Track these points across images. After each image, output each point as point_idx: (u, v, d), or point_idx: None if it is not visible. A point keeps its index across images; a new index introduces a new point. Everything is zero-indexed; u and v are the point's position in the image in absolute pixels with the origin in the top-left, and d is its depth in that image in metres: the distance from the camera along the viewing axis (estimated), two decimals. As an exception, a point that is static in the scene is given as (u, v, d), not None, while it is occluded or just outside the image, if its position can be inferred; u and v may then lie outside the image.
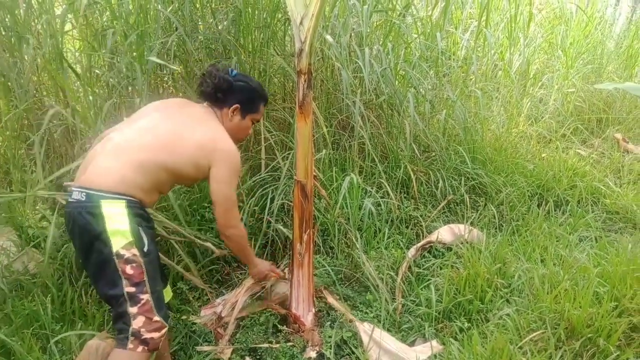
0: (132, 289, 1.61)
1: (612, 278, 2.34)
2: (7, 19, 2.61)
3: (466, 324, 2.30)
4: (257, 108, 2.03)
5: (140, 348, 1.60)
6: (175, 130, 1.78)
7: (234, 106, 1.94)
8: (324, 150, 3.00)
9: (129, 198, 1.64)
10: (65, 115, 2.70)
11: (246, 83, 1.98)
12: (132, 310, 1.60)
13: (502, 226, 3.22)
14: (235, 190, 1.86)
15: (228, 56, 3.17)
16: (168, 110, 1.87)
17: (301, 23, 1.92)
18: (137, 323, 1.60)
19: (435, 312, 2.37)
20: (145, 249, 1.64)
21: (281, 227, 2.76)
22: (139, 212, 1.68)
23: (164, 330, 1.66)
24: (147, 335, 1.61)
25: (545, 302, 2.26)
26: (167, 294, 2.00)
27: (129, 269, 1.60)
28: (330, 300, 2.42)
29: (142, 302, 1.61)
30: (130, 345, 1.60)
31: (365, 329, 2.22)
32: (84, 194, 1.61)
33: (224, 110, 1.95)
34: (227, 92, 1.93)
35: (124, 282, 1.60)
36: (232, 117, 1.95)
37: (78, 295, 2.19)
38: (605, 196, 3.72)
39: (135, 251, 1.61)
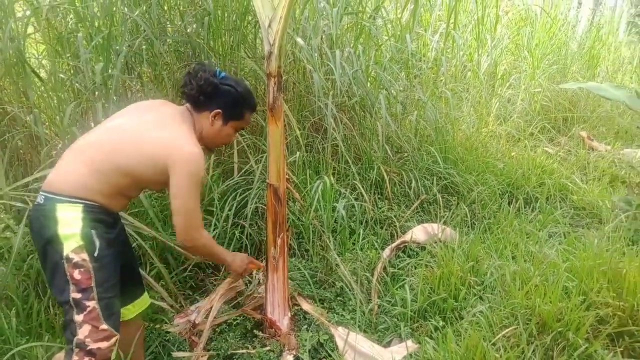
0: (78, 295, 1.53)
1: (580, 273, 2.40)
2: (-36, 23, 2.51)
3: (441, 323, 2.32)
4: (241, 115, 1.88)
5: (86, 359, 1.52)
6: (135, 131, 1.67)
7: (216, 111, 1.81)
8: (297, 153, 2.99)
9: (86, 202, 1.57)
10: (29, 122, 2.62)
11: (232, 87, 1.84)
12: (78, 318, 1.53)
13: (475, 224, 3.27)
14: (195, 198, 1.69)
15: (198, 59, 3.13)
16: (139, 111, 1.78)
17: (269, 26, 1.91)
18: (83, 332, 1.52)
19: (411, 311, 2.39)
20: (96, 254, 1.56)
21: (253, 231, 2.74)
22: (99, 217, 1.60)
23: (113, 339, 1.57)
24: (93, 346, 1.52)
25: (516, 298, 2.30)
26: (144, 302, 1.96)
27: (76, 274, 1.53)
28: (305, 306, 2.40)
29: (88, 309, 1.53)
30: (75, 358, 1.52)
31: (340, 333, 2.22)
32: (43, 197, 1.58)
33: (205, 113, 1.82)
34: (211, 95, 1.80)
35: (71, 287, 1.53)
36: (213, 122, 1.82)
37: (45, 308, 2.12)
38: (572, 192, 3.82)
39: (85, 256, 1.54)
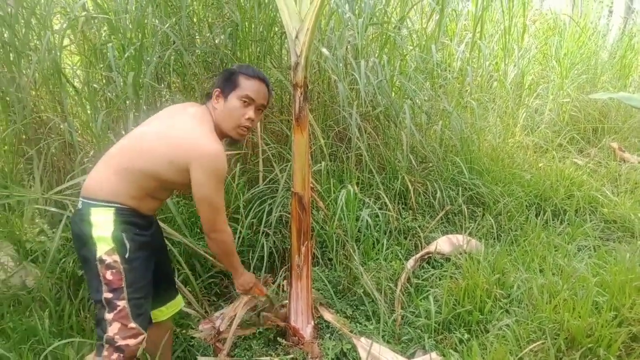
0: (110, 295, 1.61)
1: (611, 287, 2.34)
2: (5, 35, 2.63)
3: (466, 335, 2.29)
4: (237, 83, 1.83)
5: (115, 355, 1.60)
6: (154, 135, 1.72)
7: (214, 90, 1.84)
8: (322, 163, 3.01)
9: (118, 205, 1.64)
10: (63, 129, 2.71)
11: (229, 68, 1.90)
12: (108, 316, 1.61)
13: (501, 236, 3.22)
14: (218, 193, 1.72)
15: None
16: (165, 116, 1.83)
17: (297, 37, 1.94)
18: (112, 330, 1.61)
19: (435, 323, 2.36)
20: (127, 255, 1.63)
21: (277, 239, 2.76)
22: (130, 220, 1.67)
23: (140, 337, 1.64)
24: (122, 342, 1.60)
25: (544, 312, 2.26)
26: (177, 304, 2.04)
27: (108, 275, 1.61)
28: (327, 316, 2.40)
29: (119, 308, 1.61)
30: (105, 353, 1.60)
31: (362, 344, 2.21)
32: (81, 202, 1.68)
33: (211, 100, 1.86)
34: (215, 82, 1.88)
35: (104, 287, 1.62)
36: (217, 103, 1.83)
37: (76, 310, 2.18)
38: (602, 205, 3.73)
39: (116, 257, 1.62)
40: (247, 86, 1.83)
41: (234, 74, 1.85)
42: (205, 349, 2.24)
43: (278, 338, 2.29)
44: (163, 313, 1.96)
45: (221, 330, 2.30)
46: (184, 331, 2.28)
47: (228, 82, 1.84)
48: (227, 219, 1.82)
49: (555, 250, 2.98)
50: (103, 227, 1.62)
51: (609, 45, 6.52)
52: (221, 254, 1.91)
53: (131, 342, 1.62)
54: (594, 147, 4.92)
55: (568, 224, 3.42)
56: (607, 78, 5.89)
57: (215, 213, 1.74)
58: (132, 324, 1.63)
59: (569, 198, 3.74)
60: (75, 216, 1.69)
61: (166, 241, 2.35)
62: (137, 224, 1.70)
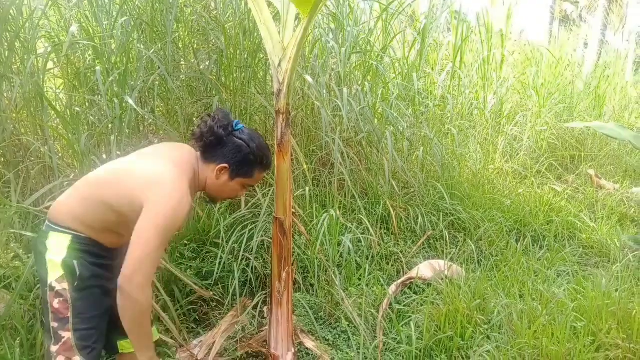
0: (55, 325, 1.53)
1: (589, 313, 2.37)
2: (-12, 58, 2.63)
3: (447, 362, 2.28)
4: (250, 173, 1.75)
5: None
6: (126, 168, 1.62)
7: (221, 165, 1.69)
8: (306, 188, 3.02)
9: (76, 234, 1.57)
10: (44, 152, 2.69)
11: (244, 143, 1.71)
12: (54, 348, 1.52)
13: (482, 261, 3.25)
14: (159, 241, 1.47)
15: (210, 95, 3.22)
16: (151, 150, 1.74)
17: (279, 65, 1.98)
18: None
19: (416, 349, 2.35)
20: (76, 284, 1.54)
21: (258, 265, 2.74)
22: (87, 249, 1.58)
23: None
24: None
25: (524, 337, 2.27)
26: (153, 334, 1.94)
27: (55, 303, 1.53)
28: (308, 344, 2.37)
29: (63, 340, 1.52)
30: None
31: (345, 369, 2.19)
32: (45, 225, 1.62)
33: (211, 165, 1.71)
34: (216, 146, 1.70)
35: (51, 316, 1.54)
36: (219, 175, 1.71)
37: (49, 338, 2.12)
38: (580, 231, 3.80)
39: (65, 285, 1.53)
40: (258, 179, 1.82)
41: (252, 163, 1.74)
42: (183, 377, 2.19)
43: (258, 366, 2.26)
44: (129, 344, 1.80)
45: (199, 358, 2.26)
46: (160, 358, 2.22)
47: (242, 168, 1.73)
48: (152, 278, 1.55)
49: (535, 276, 3.01)
50: (56, 252, 1.55)
51: (584, 76, 6.76)
52: (130, 318, 1.48)
53: None
54: (571, 174, 5.04)
55: (547, 249, 3.47)
56: (583, 107, 6.08)
57: (142, 261, 1.45)
58: (77, 358, 1.53)
59: (548, 224, 3.80)
60: (36, 237, 1.66)
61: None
62: (94, 253, 1.61)
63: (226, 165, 1.70)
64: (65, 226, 1.57)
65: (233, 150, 1.71)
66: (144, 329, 1.53)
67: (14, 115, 2.79)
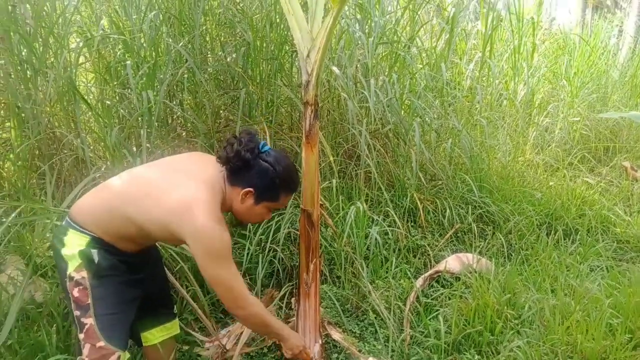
0: (78, 313, 1.56)
1: (625, 309, 2.29)
2: (23, 53, 2.70)
3: (476, 357, 2.25)
4: (276, 198, 1.72)
5: None
6: (153, 182, 1.61)
7: (246, 189, 1.65)
8: (333, 180, 3.01)
9: (95, 236, 1.58)
10: (76, 145, 2.76)
11: (270, 166, 1.67)
12: (81, 336, 1.56)
13: (511, 255, 3.18)
14: (224, 270, 1.57)
15: (237, 87, 3.24)
16: (175, 162, 1.73)
17: (308, 56, 1.97)
18: (85, 352, 1.55)
19: (444, 343, 2.32)
20: (95, 271, 1.56)
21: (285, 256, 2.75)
22: (105, 249, 1.60)
23: (114, 357, 1.55)
24: None
25: (557, 333, 2.21)
26: (172, 329, 1.96)
27: (75, 292, 1.56)
28: (335, 335, 2.37)
29: (86, 327, 1.55)
30: None
31: (371, 363, 2.18)
32: (65, 220, 1.64)
33: (236, 188, 1.67)
34: (242, 170, 1.66)
35: (73, 305, 1.57)
36: (244, 199, 1.67)
37: (83, 325, 2.18)
38: (615, 225, 3.68)
39: (84, 273, 1.55)
40: (284, 202, 1.80)
41: (278, 187, 1.70)
42: (212, 367, 2.22)
43: (285, 357, 2.27)
44: (154, 336, 1.89)
45: (227, 348, 2.29)
46: (188, 348, 2.26)
47: (268, 192, 1.69)
48: (247, 290, 1.68)
49: (567, 270, 2.93)
50: (73, 247, 1.57)
51: (619, 65, 6.51)
52: (258, 327, 1.80)
53: None
54: (605, 166, 4.88)
55: (580, 243, 3.37)
56: (618, 97, 5.87)
57: (229, 291, 1.62)
58: (101, 343, 1.55)
59: (580, 217, 3.69)
60: (55, 229, 1.67)
61: (177, 256, 2.36)
62: (114, 253, 1.62)
63: (251, 189, 1.66)
64: (85, 227, 1.59)
65: (258, 174, 1.66)
66: (271, 326, 1.80)
67: (48, 109, 2.87)
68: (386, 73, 3.63)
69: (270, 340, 2.32)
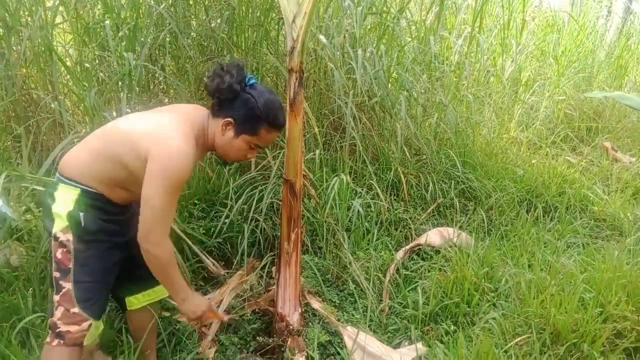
0: (57, 274, 1.56)
1: (598, 284, 2.35)
2: (-4, 10, 2.58)
3: (452, 327, 2.30)
4: (256, 131, 1.66)
5: (55, 342, 1.53)
6: (135, 124, 1.61)
7: (226, 120, 1.64)
8: (317, 151, 2.98)
9: (85, 187, 1.56)
10: (54, 108, 2.67)
11: (252, 97, 1.64)
12: (55, 298, 1.56)
13: (491, 231, 3.23)
14: (165, 198, 1.50)
15: (221, 54, 3.16)
16: (165, 108, 1.73)
17: (293, 21, 1.92)
18: (57, 314, 1.54)
19: (422, 314, 2.37)
20: (81, 236, 1.55)
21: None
22: (95, 204, 1.58)
23: (85, 324, 1.56)
24: (63, 328, 1.53)
25: (531, 306, 2.27)
26: (156, 293, 1.93)
27: (59, 253, 1.55)
28: (315, 304, 2.40)
29: (63, 290, 1.55)
30: (47, 339, 1.55)
31: (349, 332, 2.21)
32: (55, 177, 1.62)
33: (219, 119, 1.66)
34: (227, 101, 1.64)
35: (54, 265, 1.56)
36: (224, 131, 1.65)
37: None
38: (593, 203, 3.74)
39: (69, 236, 1.54)
40: (265, 139, 1.71)
41: (259, 120, 1.65)
42: (191, 333, 2.23)
43: (264, 325, 2.29)
44: (139, 300, 1.88)
45: (208, 315, 2.29)
46: (168, 314, 2.26)
47: (248, 125, 1.65)
48: (168, 232, 1.59)
49: (545, 247, 2.99)
50: (63, 204, 1.55)
51: (606, 45, 6.52)
52: (155, 271, 1.61)
53: (73, 328, 1.54)
54: (587, 146, 4.94)
55: (558, 221, 3.43)
56: (603, 77, 5.90)
57: (153, 221, 1.51)
58: (75, 309, 1.54)
59: (560, 195, 3.75)
60: (47, 187, 1.68)
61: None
62: (103, 209, 1.61)
63: (231, 119, 1.64)
64: (75, 180, 1.57)
65: (240, 105, 1.64)
66: (170, 277, 1.64)
67: (24, 70, 2.77)
68: (374, 44, 3.57)
69: (250, 305, 2.33)
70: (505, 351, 2.01)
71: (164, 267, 1.61)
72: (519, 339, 2.08)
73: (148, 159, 1.50)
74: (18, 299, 1.98)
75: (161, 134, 1.52)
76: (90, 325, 1.58)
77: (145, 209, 1.51)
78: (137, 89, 2.74)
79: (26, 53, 2.72)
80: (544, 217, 3.46)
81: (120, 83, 2.74)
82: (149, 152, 1.49)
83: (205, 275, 2.63)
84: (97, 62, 2.94)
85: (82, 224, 1.55)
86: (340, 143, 3.25)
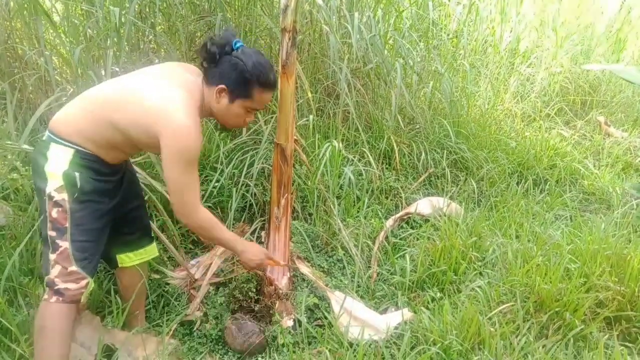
0: (53, 234, 1.56)
1: (584, 256, 2.38)
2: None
3: (438, 294, 2.33)
4: (249, 93, 1.66)
5: (54, 299, 1.55)
6: (136, 92, 1.59)
7: (219, 87, 1.65)
8: (310, 117, 2.94)
9: (79, 148, 1.57)
10: (40, 65, 2.59)
11: (241, 61, 1.64)
12: (52, 257, 1.57)
13: (481, 201, 3.24)
14: (186, 175, 1.57)
15: (213, 13, 3.06)
16: (158, 71, 1.70)
17: (288, -22, 1.85)
18: (54, 272, 1.56)
19: (409, 281, 2.40)
20: (76, 196, 1.56)
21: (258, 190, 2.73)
22: (89, 164, 1.59)
23: (83, 282, 1.59)
24: (62, 286, 1.56)
25: (517, 275, 2.30)
26: (148, 252, 1.97)
27: (54, 213, 1.55)
28: (303, 269, 2.41)
29: (60, 249, 1.56)
30: (45, 296, 1.57)
31: (336, 297, 2.23)
32: (45, 134, 1.61)
33: (212, 87, 1.67)
34: (214, 67, 1.66)
35: (48, 224, 1.57)
36: (218, 98, 1.67)
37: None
38: (583, 177, 3.76)
39: (65, 196, 1.55)
40: (260, 100, 1.71)
41: (250, 82, 1.65)
42: (180, 295, 2.24)
43: (253, 288, 2.30)
44: (130, 259, 1.90)
45: (196, 278, 2.31)
46: (158, 276, 2.27)
47: (240, 88, 1.66)
48: (199, 200, 1.67)
49: (533, 218, 3.02)
50: (57, 163, 1.55)
51: (606, 18, 6.41)
52: (208, 239, 1.82)
53: (71, 286, 1.56)
54: (580, 120, 4.92)
55: (548, 193, 3.45)
56: (602, 51, 5.83)
57: (181, 198, 1.61)
58: (73, 267, 1.57)
59: (551, 168, 3.76)
60: (36, 145, 1.64)
61: (145, 188, 2.30)
62: (97, 169, 1.62)
63: (223, 86, 1.65)
64: (69, 140, 1.57)
65: (229, 70, 1.65)
66: (221, 238, 1.80)
67: (7, 23, 2.66)
68: (372, 9, 3.48)
69: (239, 268, 2.34)
70: (490, 318, 2.05)
71: (211, 232, 1.74)
72: (503, 306, 2.11)
73: (160, 139, 1.54)
74: (5, 258, 1.97)
75: (164, 111, 1.54)
76: (88, 283, 1.61)
77: (171, 189, 1.61)
78: (126, 47, 2.66)
79: (9, 4, 2.61)
80: (534, 189, 3.48)
81: (108, 40, 2.65)
82: (160, 133, 1.53)
83: (195, 239, 2.63)
84: (84, 18, 2.83)
85: (79, 185, 1.56)
86: (334, 109, 3.21)
